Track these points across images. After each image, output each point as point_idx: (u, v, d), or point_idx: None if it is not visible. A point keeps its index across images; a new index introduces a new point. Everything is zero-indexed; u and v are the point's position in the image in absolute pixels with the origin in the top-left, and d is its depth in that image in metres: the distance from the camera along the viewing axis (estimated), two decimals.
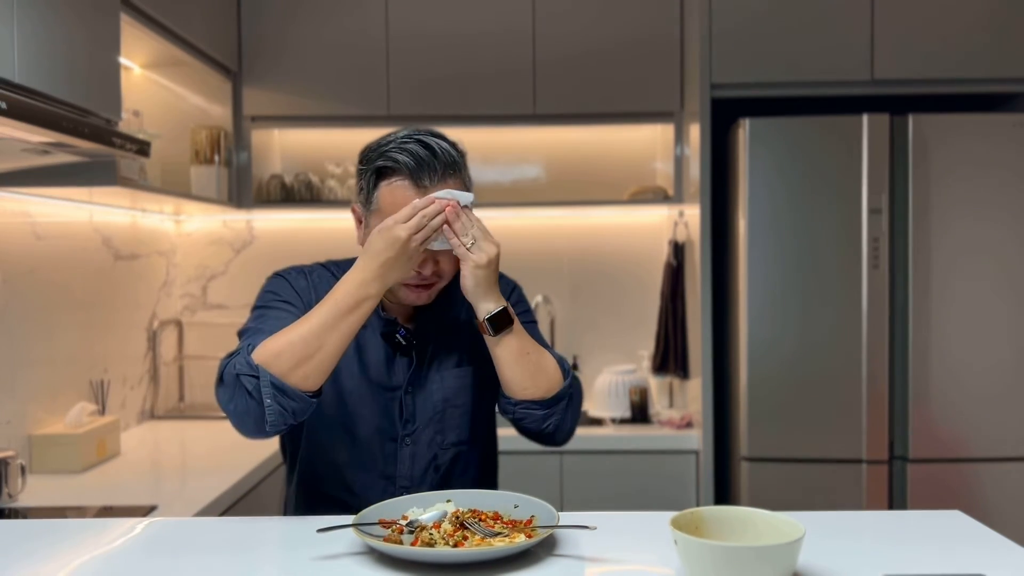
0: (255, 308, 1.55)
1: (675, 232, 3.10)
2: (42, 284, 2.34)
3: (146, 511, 1.89)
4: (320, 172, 3.21)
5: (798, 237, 2.62)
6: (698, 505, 2.78)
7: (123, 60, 2.45)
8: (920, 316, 2.59)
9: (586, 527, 1.24)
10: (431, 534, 1.19)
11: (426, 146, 1.40)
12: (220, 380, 1.46)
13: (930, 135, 2.58)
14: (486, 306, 1.40)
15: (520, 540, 1.17)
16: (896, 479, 2.62)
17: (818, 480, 2.62)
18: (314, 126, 3.14)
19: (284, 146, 3.33)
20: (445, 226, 1.35)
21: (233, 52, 2.98)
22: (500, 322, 1.41)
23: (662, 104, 3.02)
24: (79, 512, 1.93)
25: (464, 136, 3.59)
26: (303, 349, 1.33)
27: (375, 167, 1.43)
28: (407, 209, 1.33)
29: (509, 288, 1.63)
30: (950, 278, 2.59)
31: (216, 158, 2.91)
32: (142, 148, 1.97)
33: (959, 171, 2.59)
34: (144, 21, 2.30)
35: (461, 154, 1.46)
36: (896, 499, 2.62)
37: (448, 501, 1.32)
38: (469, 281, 1.38)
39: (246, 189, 3.05)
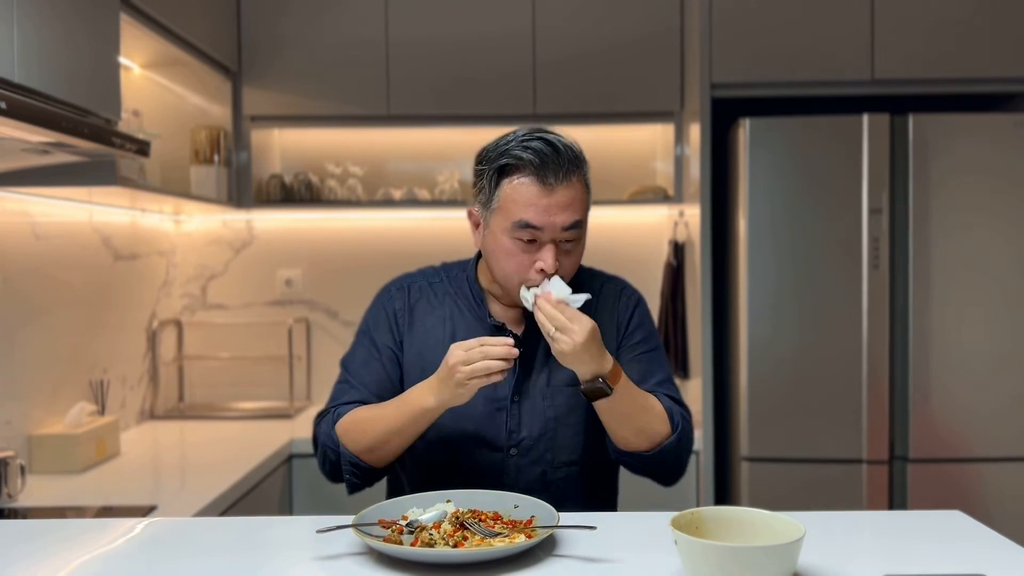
0: (357, 333, 1.60)
1: (675, 232, 3.10)
2: (42, 284, 2.34)
3: (146, 511, 1.89)
4: (320, 172, 3.21)
5: (798, 237, 2.62)
6: (698, 505, 2.78)
7: (123, 60, 2.45)
8: (920, 316, 2.59)
9: (586, 527, 1.24)
10: (431, 534, 1.19)
11: (550, 143, 1.40)
12: (314, 441, 1.56)
13: (930, 135, 2.58)
14: (581, 375, 1.39)
15: (520, 540, 1.17)
16: (896, 479, 2.62)
17: (818, 480, 2.62)
18: (314, 126, 3.14)
19: (284, 146, 3.33)
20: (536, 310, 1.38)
21: (233, 52, 2.98)
22: (593, 395, 1.39)
23: (662, 104, 3.02)
24: (79, 512, 1.93)
25: (464, 136, 3.60)
26: (374, 440, 1.42)
27: (498, 165, 1.42)
28: (475, 342, 1.33)
29: (632, 305, 1.61)
30: (950, 278, 2.59)
31: (216, 158, 2.91)
32: (142, 148, 1.97)
33: (959, 171, 2.59)
34: (144, 21, 2.30)
35: (581, 153, 1.44)
36: (896, 499, 2.62)
37: (448, 501, 1.32)
38: (562, 359, 1.38)
39: (246, 189, 3.05)
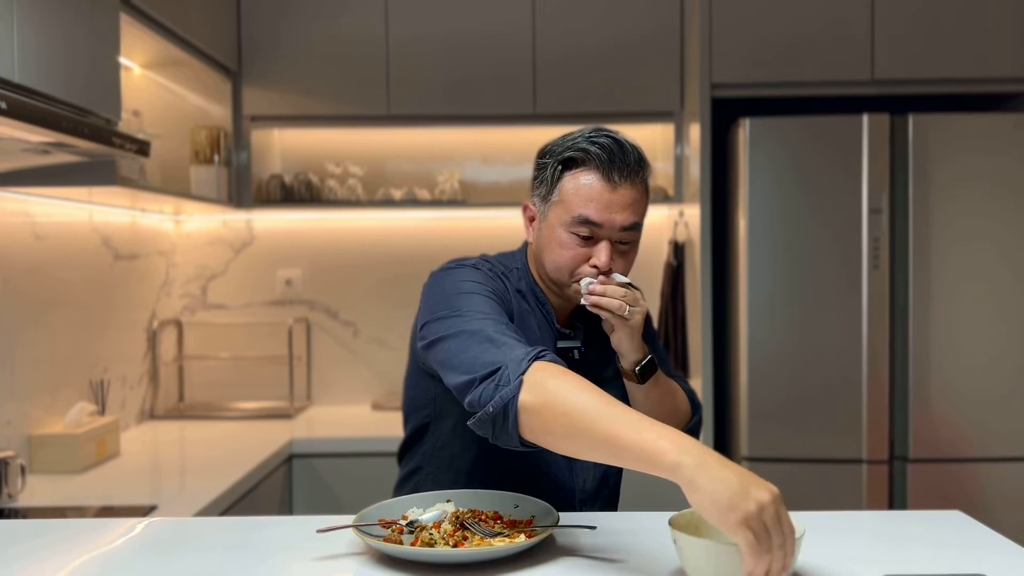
0: (447, 295, 1.36)
1: (675, 232, 3.10)
2: (42, 284, 2.34)
3: (146, 511, 1.89)
4: (320, 172, 3.21)
5: (798, 237, 2.62)
6: None
7: (123, 60, 2.45)
8: (920, 316, 2.59)
9: (586, 527, 1.24)
10: (431, 534, 1.19)
11: (618, 142, 1.40)
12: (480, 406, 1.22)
13: (930, 135, 2.58)
14: (634, 356, 1.42)
15: (520, 540, 1.17)
16: (896, 479, 2.62)
17: (818, 480, 2.62)
18: (314, 126, 3.14)
19: (284, 146, 3.33)
20: (598, 293, 1.37)
21: (233, 52, 2.98)
22: (647, 372, 1.42)
23: (662, 104, 3.02)
24: (79, 512, 1.93)
25: (464, 136, 3.59)
26: (567, 425, 1.12)
27: (563, 157, 1.41)
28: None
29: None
30: (950, 278, 2.59)
31: (216, 158, 2.91)
32: (142, 148, 1.97)
33: (959, 171, 2.59)
34: (144, 21, 2.30)
35: (646, 159, 1.44)
36: (896, 499, 2.62)
37: (448, 501, 1.32)
38: (624, 341, 1.39)
39: (246, 189, 3.05)
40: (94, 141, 1.74)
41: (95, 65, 1.95)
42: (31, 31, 1.67)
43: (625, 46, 3.00)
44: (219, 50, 2.84)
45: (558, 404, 1.13)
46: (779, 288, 2.63)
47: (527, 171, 3.31)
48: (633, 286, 1.42)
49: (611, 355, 1.48)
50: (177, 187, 2.85)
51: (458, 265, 1.48)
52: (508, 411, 1.16)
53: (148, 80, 2.88)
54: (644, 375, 1.43)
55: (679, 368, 3.04)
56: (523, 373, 1.17)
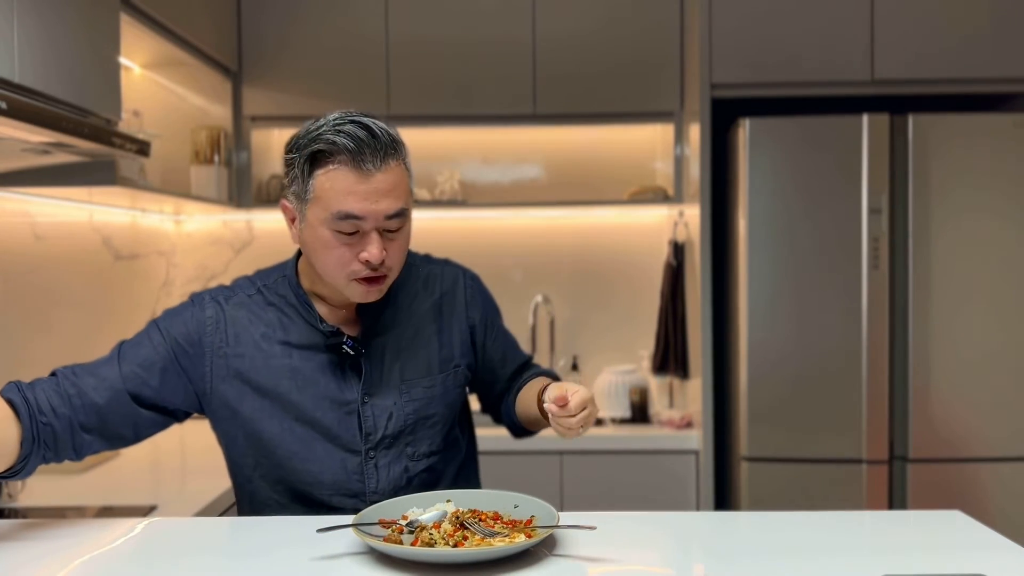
0: (145, 330, 1.47)
1: (675, 232, 3.10)
2: (42, 284, 2.34)
3: (146, 511, 1.89)
4: None
5: (798, 237, 2.62)
6: (699, 505, 2.79)
7: (123, 60, 2.45)
8: (920, 316, 2.59)
9: (586, 527, 1.24)
10: (431, 534, 1.19)
11: (364, 127, 1.32)
12: None
13: (930, 135, 2.58)
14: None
15: (520, 540, 1.17)
16: (896, 479, 2.62)
17: (818, 480, 2.62)
18: None
19: (284, 146, 3.33)
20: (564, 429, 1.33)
21: (233, 52, 2.98)
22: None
23: (662, 104, 3.02)
24: (79, 512, 1.93)
25: (464, 136, 3.60)
26: None
27: (310, 152, 1.33)
28: None
29: (477, 288, 1.59)
30: (950, 278, 2.59)
31: (216, 158, 2.91)
32: (142, 148, 1.97)
33: (959, 171, 2.59)
34: (144, 21, 2.30)
35: (399, 137, 1.39)
36: (896, 499, 2.62)
37: (448, 501, 1.32)
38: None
39: (246, 189, 3.05)
40: (94, 141, 1.74)
41: (95, 65, 1.95)
42: (31, 31, 1.67)
43: (625, 46, 3.01)
44: (219, 50, 2.84)
45: None
46: (779, 288, 2.63)
47: (527, 171, 3.32)
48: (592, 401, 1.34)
49: (421, 347, 1.49)
50: (177, 187, 2.85)
51: (189, 299, 1.50)
52: None
53: (148, 80, 2.88)
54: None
55: (680, 370, 3.04)
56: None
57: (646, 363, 3.20)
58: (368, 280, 1.37)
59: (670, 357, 3.06)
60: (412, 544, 1.17)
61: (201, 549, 1.28)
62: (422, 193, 3.12)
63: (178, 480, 2.38)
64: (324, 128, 1.33)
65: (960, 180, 2.59)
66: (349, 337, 1.45)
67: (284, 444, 1.44)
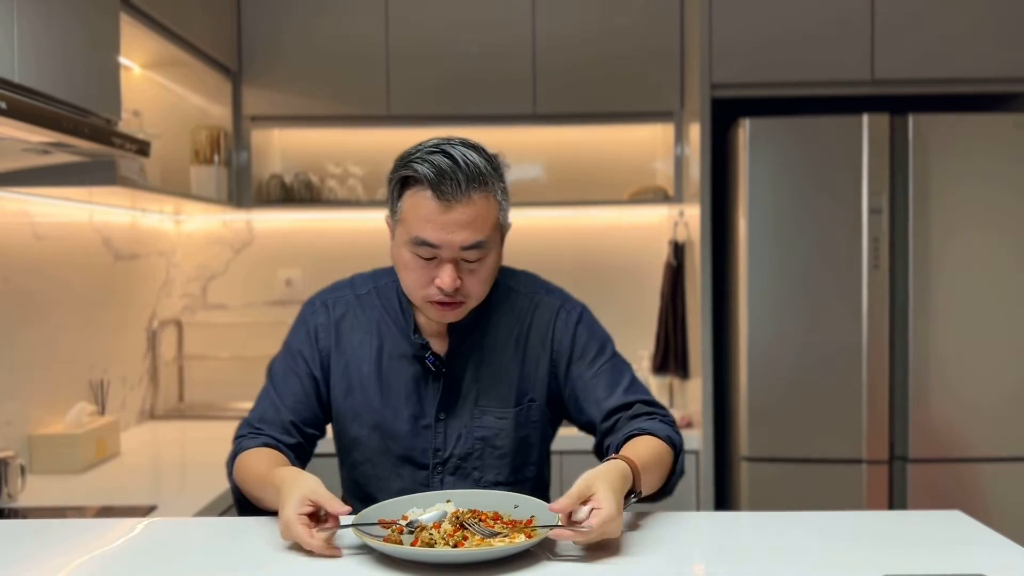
0: (284, 343, 1.59)
1: (675, 232, 3.10)
2: (42, 284, 2.34)
3: (146, 511, 1.89)
4: (320, 172, 3.21)
5: (798, 237, 2.62)
6: (699, 505, 2.79)
7: (123, 60, 2.45)
8: (920, 316, 2.59)
9: (587, 528, 1.23)
10: (431, 534, 1.19)
11: (451, 157, 1.33)
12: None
13: (930, 135, 2.58)
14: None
15: (520, 540, 1.17)
16: (896, 479, 2.62)
17: (818, 480, 2.62)
18: (314, 126, 3.14)
19: (284, 146, 3.33)
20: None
21: (233, 52, 2.98)
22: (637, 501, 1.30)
23: (662, 104, 3.02)
24: (79, 512, 1.93)
25: (464, 136, 3.58)
26: (251, 492, 1.42)
27: (399, 176, 1.38)
28: (303, 532, 1.20)
29: (573, 323, 1.51)
30: (950, 278, 2.59)
31: (216, 158, 2.91)
32: (142, 148, 1.97)
33: (959, 171, 2.59)
34: (144, 21, 2.29)
35: (493, 168, 1.38)
36: (896, 499, 2.62)
37: (448, 501, 1.32)
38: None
39: (246, 189, 3.05)
40: (94, 141, 1.74)
41: (95, 65, 1.95)
42: (31, 31, 1.67)
43: (625, 46, 3.00)
44: (219, 50, 2.84)
45: (242, 472, 1.44)
46: (779, 288, 2.63)
47: (527, 171, 3.32)
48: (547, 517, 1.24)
49: (503, 378, 1.48)
50: (177, 187, 2.85)
51: (305, 305, 1.60)
52: (235, 491, 1.49)
53: (148, 80, 2.88)
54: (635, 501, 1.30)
55: (680, 370, 3.03)
56: (231, 465, 1.50)
57: (646, 363, 3.20)
58: (443, 304, 1.40)
59: (670, 357, 3.06)
60: (412, 544, 1.17)
61: (201, 549, 1.28)
62: None
63: (178, 480, 2.38)
64: (417, 153, 1.36)
65: (960, 180, 2.59)
66: (433, 354, 1.48)
67: (360, 448, 1.51)
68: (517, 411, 1.50)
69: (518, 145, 3.30)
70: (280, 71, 3.02)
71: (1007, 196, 2.59)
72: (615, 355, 1.54)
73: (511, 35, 3.00)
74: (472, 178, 1.34)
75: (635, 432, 1.41)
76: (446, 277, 1.36)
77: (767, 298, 2.63)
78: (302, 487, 1.23)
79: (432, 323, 1.49)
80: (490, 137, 3.36)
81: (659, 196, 3.09)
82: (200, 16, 2.69)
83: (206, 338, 3.26)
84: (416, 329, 1.50)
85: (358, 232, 3.29)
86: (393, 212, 1.41)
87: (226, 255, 3.29)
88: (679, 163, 3.04)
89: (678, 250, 3.08)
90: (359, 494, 1.54)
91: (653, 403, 1.49)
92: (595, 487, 1.19)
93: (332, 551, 1.20)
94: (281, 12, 3.01)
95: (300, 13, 3.00)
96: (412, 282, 1.40)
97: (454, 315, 1.42)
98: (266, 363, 3.20)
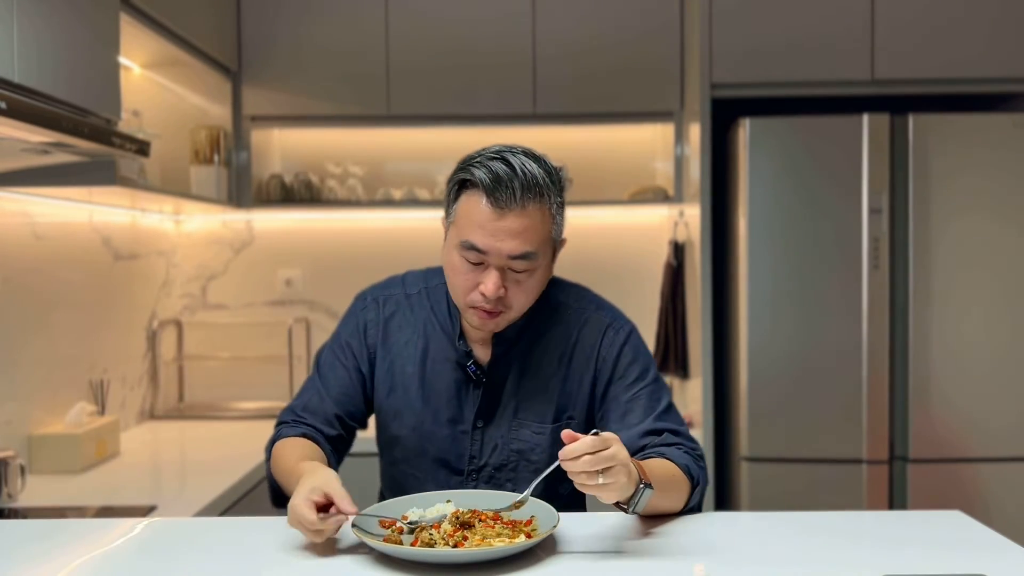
0: (336, 329, 1.59)
1: (675, 232, 3.10)
2: (42, 284, 2.34)
3: (146, 511, 1.89)
4: (320, 172, 3.21)
5: (798, 237, 2.62)
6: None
7: (123, 60, 2.45)
8: (920, 316, 2.59)
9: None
10: (431, 534, 1.19)
11: (509, 165, 1.33)
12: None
13: (930, 135, 2.58)
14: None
15: (520, 540, 1.17)
16: (896, 479, 2.62)
17: (818, 480, 2.62)
18: (314, 126, 3.14)
19: (284, 146, 3.33)
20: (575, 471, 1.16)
21: (233, 52, 2.98)
22: (639, 505, 1.25)
23: (662, 104, 3.02)
24: (79, 512, 1.93)
25: (464, 136, 3.59)
26: (281, 479, 1.43)
27: (457, 178, 1.38)
28: (307, 517, 1.19)
29: (621, 341, 1.47)
30: (950, 278, 2.59)
31: (216, 158, 2.91)
32: (142, 148, 1.97)
33: (959, 171, 2.59)
34: (144, 21, 2.29)
35: (552, 181, 1.36)
36: (896, 499, 2.62)
37: (448, 501, 1.32)
38: (608, 497, 1.21)
39: (246, 189, 3.05)
40: (94, 141, 1.74)
41: (95, 65, 1.95)
42: (31, 31, 1.67)
43: (625, 46, 3.00)
44: (219, 50, 2.84)
45: (277, 460, 1.45)
46: (779, 288, 2.63)
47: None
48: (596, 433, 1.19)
49: (545, 392, 1.47)
50: (177, 187, 2.85)
51: (356, 298, 1.60)
52: (271, 479, 1.50)
53: (148, 80, 2.88)
54: (636, 509, 1.26)
55: (680, 370, 3.03)
56: (269, 451, 1.51)
57: None
58: (485, 311, 1.39)
59: (670, 357, 3.06)
60: (412, 544, 1.18)
61: (201, 549, 1.28)
62: (422, 193, 3.12)
63: (178, 480, 2.38)
64: (478, 158, 1.37)
65: (960, 180, 2.59)
66: (475, 364, 1.48)
67: (399, 447, 1.52)
68: (555, 427, 1.47)
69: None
70: (280, 71, 3.02)
71: (1007, 195, 2.59)
72: (655, 380, 1.50)
73: (511, 35, 3.00)
74: (528, 188, 1.33)
75: (652, 455, 1.39)
76: (490, 284, 1.35)
77: (767, 298, 2.63)
78: (318, 479, 1.23)
79: (478, 330, 1.48)
80: (490, 137, 3.35)
81: (659, 196, 3.09)
82: (200, 16, 2.69)
83: (206, 338, 3.26)
84: (462, 335, 1.49)
85: (358, 232, 3.29)
86: (448, 214, 1.41)
87: (226, 255, 3.29)
88: (679, 163, 3.04)
89: (678, 250, 3.08)
90: (397, 491, 1.53)
91: (683, 434, 1.45)
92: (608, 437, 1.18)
93: (324, 536, 1.21)
94: (281, 12, 3.01)
95: (300, 13, 3.00)
96: (458, 286, 1.40)
97: (494, 324, 1.41)
98: (266, 363, 3.21)
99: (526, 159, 1.35)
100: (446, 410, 1.49)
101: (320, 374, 1.55)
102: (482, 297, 1.37)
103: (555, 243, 1.43)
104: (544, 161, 1.38)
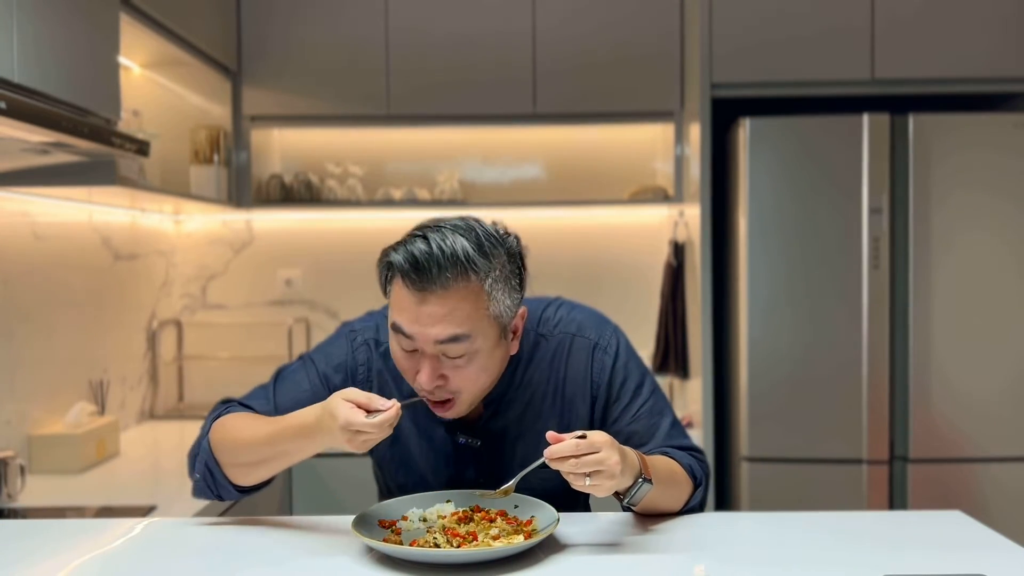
0: (305, 357, 1.45)
1: (675, 232, 3.10)
2: (42, 284, 2.34)
3: (145, 511, 1.89)
4: (320, 172, 3.21)
5: (798, 237, 2.62)
6: None
7: (123, 60, 2.45)
8: (920, 316, 2.59)
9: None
10: (435, 538, 1.19)
11: (429, 245, 1.20)
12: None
13: (930, 135, 2.58)
14: (622, 486, 1.22)
15: (520, 540, 1.17)
16: (896, 479, 2.62)
17: (818, 480, 2.62)
18: (314, 126, 3.14)
19: (284, 146, 3.33)
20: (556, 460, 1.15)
21: (233, 52, 2.98)
22: (639, 499, 1.25)
23: (662, 104, 3.02)
24: (78, 512, 1.93)
25: (464, 136, 3.59)
26: (242, 446, 1.31)
27: (384, 262, 1.26)
28: (371, 405, 1.16)
29: (611, 361, 1.42)
30: (950, 278, 2.59)
31: (216, 158, 2.91)
32: (141, 148, 1.97)
33: (959, 171, 2.59)
34: (144, 21, 2.29)
35: (486, 253, 1.23)
36: (897, 499, 2.61)
37: (448, 501, 1.32)
38: (599, 494, 1.19)
39: (245, 189, 3.05)
40: (94, 141, 1.74)
41: (95, 65, 1.95)
42: (31, 31, 1.67)
43: (625, 46, 3.00)
44: (219, 50, 2.84)
45: (229, 431, 1.32)
46: (779, 288, 2.63)
47: (527, 171, 3.32)
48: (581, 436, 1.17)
49: (525, 435, 1.39)
50: (177, 187, 2.85)
51: (344, 334, 1.45)
52: (208, 465, 1.34)
53: (148, 80, 2.88)
54: (636, 503, 1.26)
55: (680, 370, 3.03)
56: (207, 431, 1.36)
57: (646, 363, 3.20)
58: (432, 401, 1.29)
59: (670, 357, 3.06)
60: (412, 544, 1.17)
61: (201, 549, 1.28)
62: (422, 193, 3.12)
63: (178, 480, 2.38)
64: (402, 240, 1.25)
65: (960, 180, 2.59)
66: (463, 434, 1.39)
67: (409, 490, 1.42)
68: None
69: (518, 145, 3.30)
70: (280, 71, 3.02)
71: (1007, 195, 2.59)
72: (653, 393, 1.45)
73: (511, 35, 3.00)
74: (448, 266, 1.19)
75: (656, 452, 1.38)
76: (423, 374, 1.24)
77: (767, 298, 2.63)
78: (339, 394, 1.18)
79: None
80: (490, 137, 3.37)
81: (659, 196, 3.09)
82: (200, 16, 2.69)
83: (206, 338, 3.26)
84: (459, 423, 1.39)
85: (358, 232, 3.29)
86: (385, 295, 1.30)
87: (226, 255, 3.29)
88: (679, 163, 3.04)
89: (678, 250, 3.08)
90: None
91: (687, 446, 1.43)
92: (597, 436, 1.16)
93: (378, 438, 1.17)
94: (281, 12, 3.01)
95: (300, 13, 3.00)
96: (403, 372, 1.30)
97: (452, 412, 1.30)
98: (266, 363, 3.21)
99: (450, 234, 1.22)
100: (446, 468, 1.42)
101: (275, 386, 1.43)
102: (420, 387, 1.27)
103: (500, 319, 1.27)
104: (477, 232, 1.24)
